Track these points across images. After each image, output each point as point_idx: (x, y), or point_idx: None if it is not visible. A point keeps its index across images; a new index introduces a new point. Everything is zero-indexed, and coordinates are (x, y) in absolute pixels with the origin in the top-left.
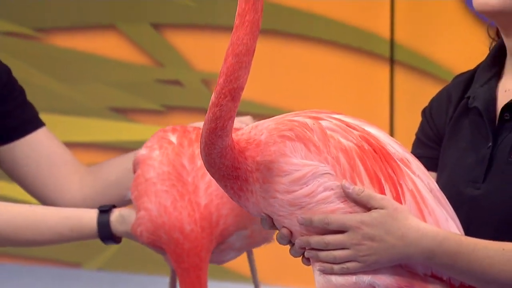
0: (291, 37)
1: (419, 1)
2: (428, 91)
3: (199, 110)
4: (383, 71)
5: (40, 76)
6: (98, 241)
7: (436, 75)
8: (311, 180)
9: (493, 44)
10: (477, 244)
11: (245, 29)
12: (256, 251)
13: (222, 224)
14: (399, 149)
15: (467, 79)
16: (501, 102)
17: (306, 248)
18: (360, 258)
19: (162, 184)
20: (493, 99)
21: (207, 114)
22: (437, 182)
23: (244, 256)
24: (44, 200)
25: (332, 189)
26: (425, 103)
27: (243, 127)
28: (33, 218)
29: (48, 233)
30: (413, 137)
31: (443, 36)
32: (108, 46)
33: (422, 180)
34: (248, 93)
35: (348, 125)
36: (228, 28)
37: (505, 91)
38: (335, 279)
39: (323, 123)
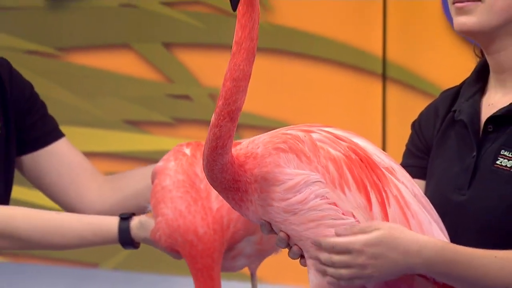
0: (291, 56)
1: (410, 22)
2: (418, 105)
3: (206, 123)
4: (376, 87)
5: (60, 91)
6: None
7: (425, 90)
8: (304, 188)
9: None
10: (473, 253)
11: (242, 56)
12: None
13: (233, 227)
14: (385, 158)
15: (453, 94)
16: (485, 115)
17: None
18: (366, 276)
19: (177, 191)
20: (477, 113)
21: (208, 134)
22: (426, 189)
23: None
24: (64, 206)
25: (323, 196)
26: (415, 116)
27: (241, 142)
28: (60, 224)
29: (73, 237)
30: (404, 148)
31: (432, 55)
32: (122, 63)
33: (407, 187)
34: (252, 106)
35: (337, 137)
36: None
37: (489, 105)
38: (328, 278)
39: (314, 135)
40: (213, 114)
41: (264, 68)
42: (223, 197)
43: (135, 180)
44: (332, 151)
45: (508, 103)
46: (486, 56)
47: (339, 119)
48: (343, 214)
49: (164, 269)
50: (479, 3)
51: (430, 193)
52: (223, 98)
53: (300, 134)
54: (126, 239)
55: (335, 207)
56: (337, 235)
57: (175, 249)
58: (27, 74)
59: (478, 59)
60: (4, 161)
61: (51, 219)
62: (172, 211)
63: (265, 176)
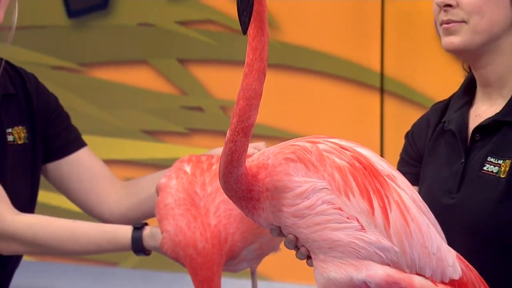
0: (297, 71)
1: (405, 40)
2: (414, 116)
3: (218, 133)
4: (375, 99)
5: (83, 103)
6: None
7: (420, 103)
8: (311, 195)
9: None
10: None
11: (253, 76)
12: None
13: (230, 241)
14: (386, 166)
15: (443, 106)
16: (472, 125)
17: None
18: None
19: (178, 209)
20: (465, 123)
21: (223, 149)
22: (419, 193)
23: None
24: (85, 209)
25: (329, 201)
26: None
27: (255, 152)
28: (77, 232)
29: (88, 245)
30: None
31: (426, 70)
32: (140, 78)
33: (406, 193)
34: (263, 118)
35: (342, 147)
36: (242, 63)
37: (476, 115)
38: (332, 276)
39: (320, 146)
40: (228, 130)
41: (272, 82)
42: (237, 206)
43: (148, 185)
44: (337, 160)
45: (493, 114)
46: (473, 71)
47: (340, 129)
48: (347, 218)
49: (179, 268)
50: (463, 24)
51: (423, 197)
52: (237, 115)
53: (308, 145)
54: (138, 247)
55: (340, 211)
56: None
57: (179, 260)
58: (52, 88)
59: (466, 74)
60: (31, 169)
61: (68, 227)
62: (174, 227)
63: (275, 184)
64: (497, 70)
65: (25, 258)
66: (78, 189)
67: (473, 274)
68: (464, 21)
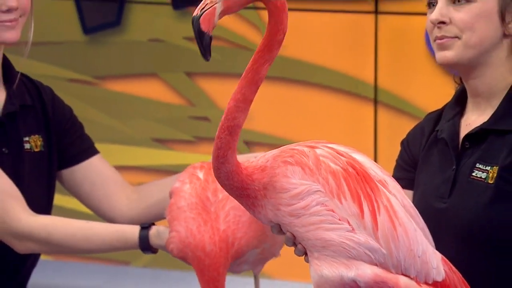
0: (296, 83)
1: (398, 54)
2: (406, 126)
3: None
4: (369, 110)
5: (97, 113)
6: None
7: (412, 113)
8: (306, 196)
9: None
10: None
11: (245, 83)
12: None
13: (237, 245)
14: (379, 172)
15: (437, 116)
16: (463, 133)
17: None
18: None
19: (190, 212)
20: (457, 132)
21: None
22: (413, 198)
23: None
24: (98, 213)
25: (322, 203)
26: (403, 136)
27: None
28: (89, 232)
29: (98, 243)
30: (393, 164)
31: (418, 82)
32: (151, 90)
33: (397, 198)
34: (263, 127)
35: (338, 152)
36: None
37: (466, 124)
38: (325, 274)
39: (318, 150)
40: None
41: (273, 94)
42: (239, 203)
43: (157, 190)
44: (332, 165)
45: (482, 123)
46: (464, 82)
47: (336, 137)
48: (339, 219)
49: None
50: (456, 39)
51: (417, 201)
52: (225, 114)
53: (306, 149)
54: (145, 245)
55: (332, 213)
56: None
57: (186, 260)
58: (68, 99)
59: (457, 86)
60: (47, 175)
61: (80, 227)
62: (184, 229)
63: (274, 184)
64: (486, 81)
65: (40, 257)
66: (91, 194)
67: (456, 277)
68: (457, 37)
